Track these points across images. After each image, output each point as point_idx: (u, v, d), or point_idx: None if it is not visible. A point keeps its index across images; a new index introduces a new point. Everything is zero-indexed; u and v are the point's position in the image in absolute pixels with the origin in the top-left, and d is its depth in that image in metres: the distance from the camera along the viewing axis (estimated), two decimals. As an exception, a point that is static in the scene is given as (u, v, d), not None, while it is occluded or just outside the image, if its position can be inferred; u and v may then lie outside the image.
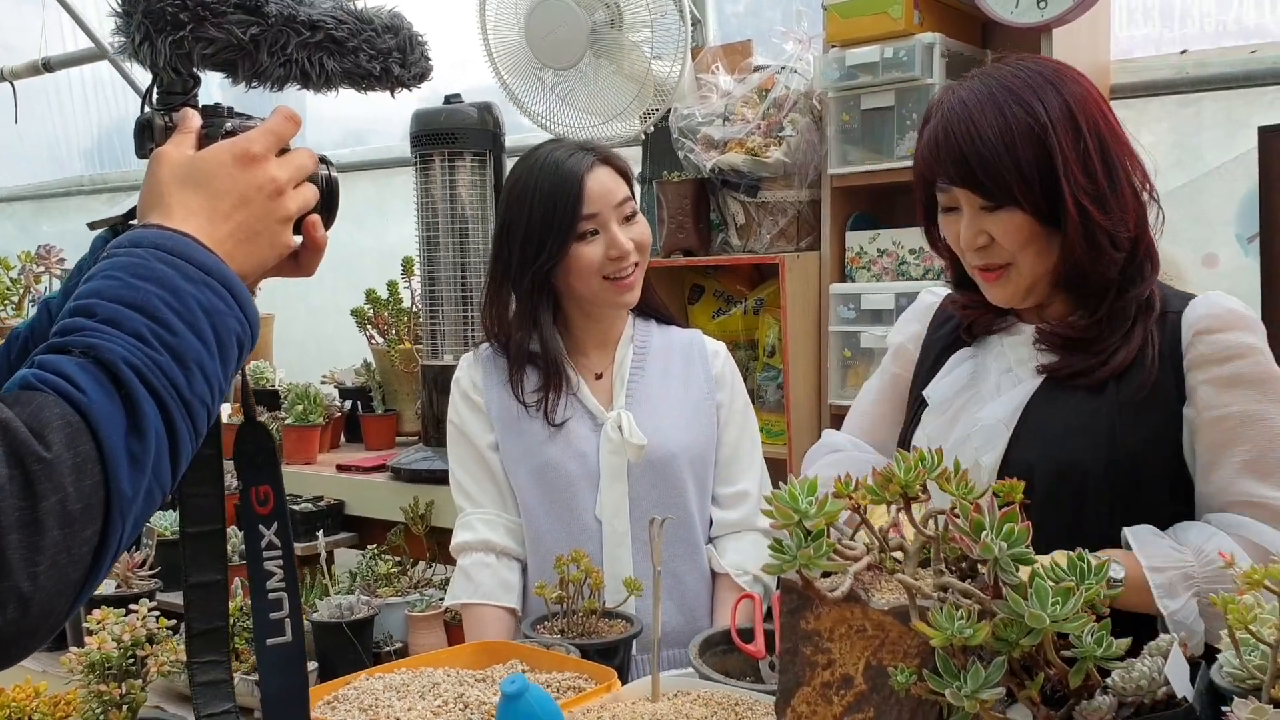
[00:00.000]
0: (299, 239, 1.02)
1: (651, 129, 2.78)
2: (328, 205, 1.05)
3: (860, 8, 2.41)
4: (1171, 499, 1.43)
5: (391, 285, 3.41)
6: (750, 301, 2.82)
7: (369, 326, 3.42)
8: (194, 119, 0.99)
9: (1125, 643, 0.87)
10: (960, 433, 1.51)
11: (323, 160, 1.05)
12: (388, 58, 1.07)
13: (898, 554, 1.00)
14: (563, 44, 2.70)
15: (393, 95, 1.09)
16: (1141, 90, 2.47)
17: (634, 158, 2.80)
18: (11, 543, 0.72)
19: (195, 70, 1.00)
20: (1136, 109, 2.47)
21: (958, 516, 0.93)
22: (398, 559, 2.77)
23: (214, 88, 1.12)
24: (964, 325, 1.60)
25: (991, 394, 1.52)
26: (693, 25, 2.87)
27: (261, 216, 0.96)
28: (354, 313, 3.43)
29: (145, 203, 0.94)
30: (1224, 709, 0.85)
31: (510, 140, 2.86)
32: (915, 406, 1.64)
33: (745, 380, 2.54)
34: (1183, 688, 0.88)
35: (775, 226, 2.58)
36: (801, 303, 2.55)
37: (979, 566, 0.95)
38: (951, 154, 1.42)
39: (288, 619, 1.08)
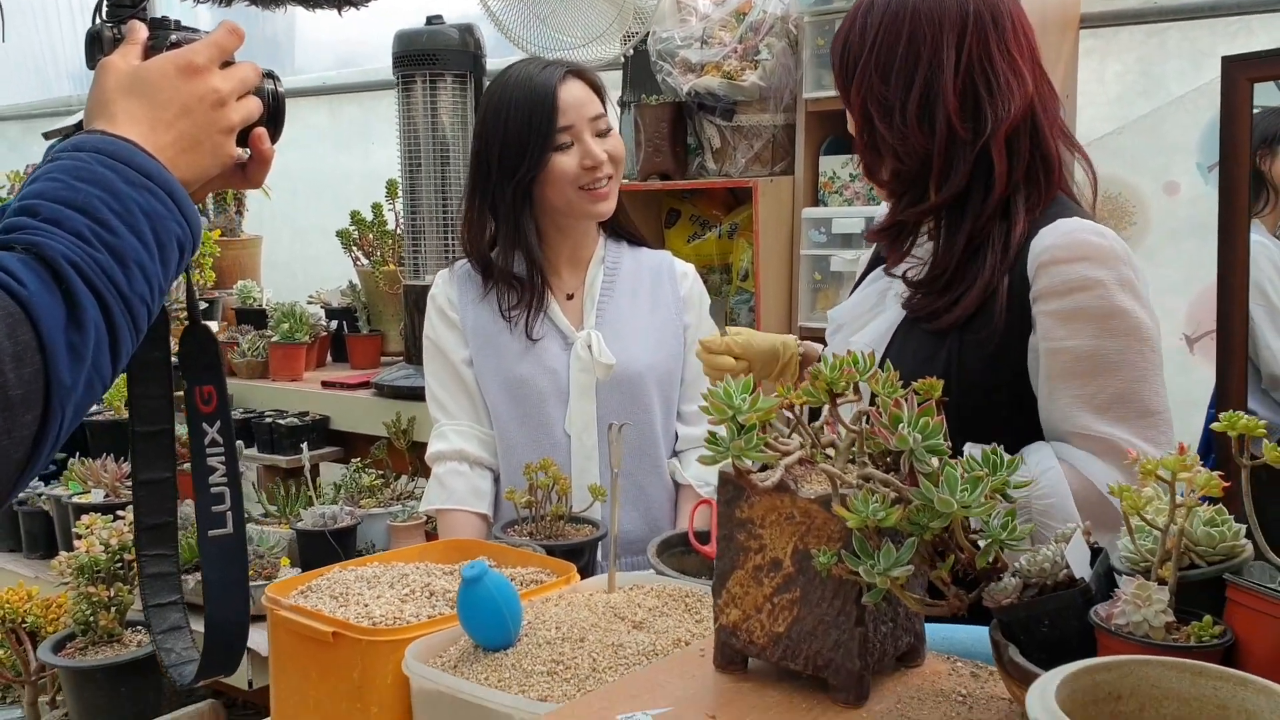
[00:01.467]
0: (245, 151, 1.07)
1: (631, 52, 2.81)
2: (274, 119, 1.09)
3: (837, -68, 2.43)
4: (1016, 415, 1.45)
5: (376, 208, 3.45)
6: (725, 226, 2.87)
7: (354, 248, 3.47)
8: (140, 31, 1.03)
9: (1029, 527, 0.95)
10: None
11: (268, 75, 1.09)
12: None
13: (829, 450, 1.07)
14: (544, -35, 2.72)
15: (340, 13, 1.13)
16: (1110, 19, 2.50)
17: (614, 81, 2.83)
18: None
19: None
20: (1105, 38, 2.51)
21: (881, 413, 1.00)
22: (381, 472, 2.85)
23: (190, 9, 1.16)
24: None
25: (869, 320, 1.58)
26: (674, -52, 2.88)
27: (203, 126, 1.00)
28: (339, 234, 3.48)
29: (91, 111, 0.98)
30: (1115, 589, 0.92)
31: (491, 63, 2.87)
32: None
33: (719, 303, 2.60)
34: (1082, 570, 0.95)
35: (750, 151, 2.62)
36: (774, 227, 2.60)
37: (900, 460, 1.02)
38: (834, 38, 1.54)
39: (229, 512, 1.15)
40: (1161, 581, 0.90)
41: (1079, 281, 1.37)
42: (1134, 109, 2.45)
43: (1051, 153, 1.46)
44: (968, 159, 1.43)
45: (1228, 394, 1.59)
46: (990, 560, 0.95)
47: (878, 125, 1.46)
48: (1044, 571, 0.97)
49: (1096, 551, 0.99)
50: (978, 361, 1.43)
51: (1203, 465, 0.89)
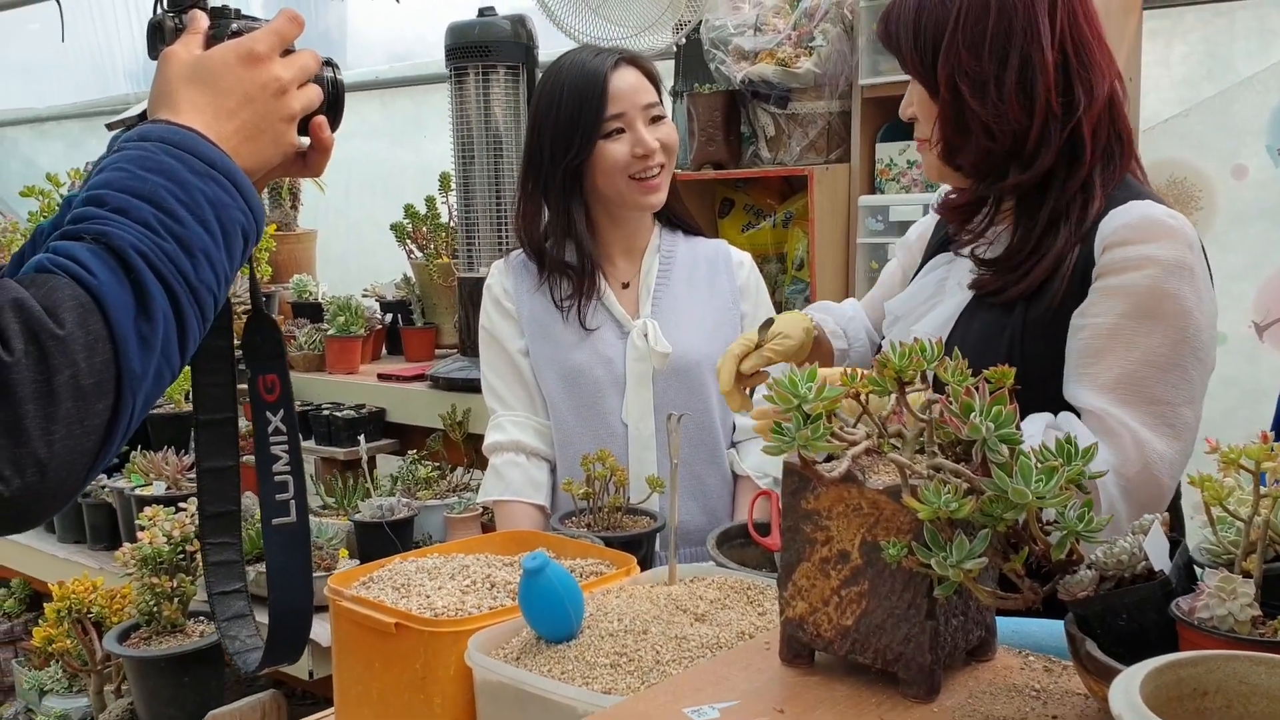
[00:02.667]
0: (305, 139, 1.07)
1: (684, 40, 2.79)
2: (333, 106, 1.09)
3: (893, -84, 2.39)
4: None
5: (430, 201, 3.47)
6: (779, 215, 2.84)
7: (408, 241, 3.49)
8: (201, 20, 1.03)
9: (1105, 520, 0.92)
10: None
11: (327, 63, 1.09)
12: None
13: (896, 440, 1.05)
14: (595, -45, 2.71)
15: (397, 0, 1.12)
16: (1176, 0, 2.44)
17: (667, 71, 2.81)
18: (28, 412, 0.77)
19: None
20: (1171, 19, 2.45)
21: (951, 402, 0.98)
22: (437, 464, 2.87)
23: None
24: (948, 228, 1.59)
25: (929, 310, 1.54)
26: (726, -65, 2.85)
27: (265, 114, 1.00)
28: (393, 228, 3.50)
29: (154, 101, 0.98)
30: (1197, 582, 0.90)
31: (544, 54, 2.87)
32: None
33: (774, 293, 2.58)
34: (1161, 562, 0.93)
35: (805, 138, 2.59)
36: (830, 215, 2.57)
37: (972, 450, 1.00)
38: (885, 14, 1.47)
39: (293, 500, 1.15)
40: (1246, 574, 0.87)
41: (1136, 261, 1.34)
42: (1200, 91, 2.39)
43: (1126, 131, 1.43)
44: (1059, 136, 1.39)
45: (1306, 380, 1.54)
46: (1065, 552, 0.93)
47: (969, 101, 1.39)
48: (1121, 564, 0.94)
49: (1175, 543, 0.97)
50: (1037, 336, 1.40)
51: (1285, 454, 0.87)
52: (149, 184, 0.88)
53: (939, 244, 1.64)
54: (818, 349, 1.68)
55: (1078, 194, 1.40)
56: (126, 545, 2.30)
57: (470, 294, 2.93)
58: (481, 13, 2.82)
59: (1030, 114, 1.38)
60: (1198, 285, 1.35)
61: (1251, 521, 0.88)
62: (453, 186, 3.12)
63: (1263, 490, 0.87)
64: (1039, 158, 1.40)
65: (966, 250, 1.50)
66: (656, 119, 1.92)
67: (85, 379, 0.80)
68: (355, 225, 4.56)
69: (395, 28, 4.56)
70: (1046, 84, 1.37)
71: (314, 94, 1.06)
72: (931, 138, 1.47)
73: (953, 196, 1.52)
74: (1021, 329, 1.41)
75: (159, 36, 1.05)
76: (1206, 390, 1.40)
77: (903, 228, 2.45)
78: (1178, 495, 1.48)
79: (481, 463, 2.07)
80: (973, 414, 0.93)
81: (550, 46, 2.93)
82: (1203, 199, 2.32)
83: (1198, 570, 0.93)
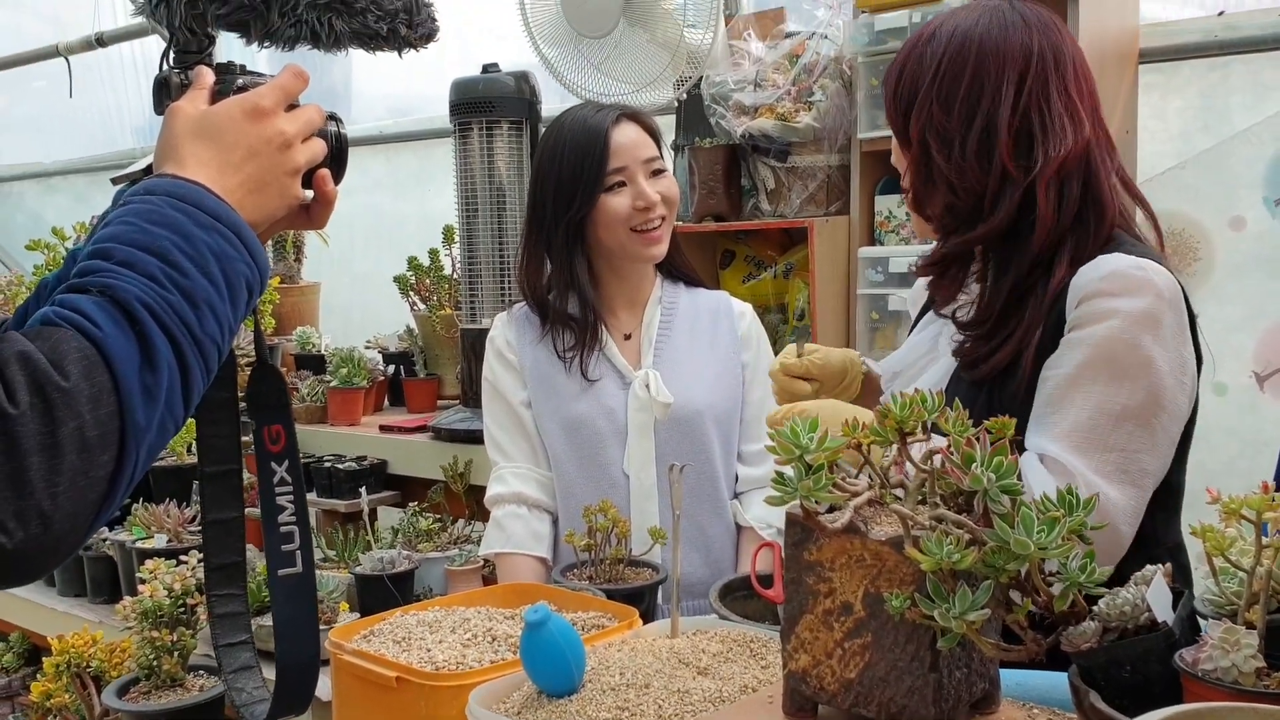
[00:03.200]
0: (309, 192, 1.08)
1: (685, 96, 2.82)
2: (337, 160, 1.10)
3: (890, -27, 2.43)
4: None
5: (433, 253, 3.49)
6: (780, 266, 2.86)
7: (411, 293, 3.50)
8: (207, 76, 1.05)
9: (1108, 570, 0.92)
10: None
11: (331, 117, 1.10)
12: (394, 19, 1.12)
13: (899, 490, 1.05)
14: (597, 12, 2.75)
15: (400, 55, 1.14)
16: (1171, 54, 2.47)
17: (668, 125, 2.84)
18: (33, 464, 0.78)
19: (210, 30, 1.06)
20: (1166, 73, 2.48)
21: (952, 453, 0.98)
22: (438, 516, 2.86)
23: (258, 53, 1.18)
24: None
25: (926, 367, 1.55)
26: (726, -7, 2.90)
27: (270, 168, 1.01)
28: (397, 279, 3.52)
29: (160, 155, 1.00)
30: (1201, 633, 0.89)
31: (546, 109, 2.91)
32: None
33: (775, 343, 2.59)
34: (1164, 613, 0.92)
35: (805, 191, 2.61)
36: (830, 266, 2.58)
37: (974, 501, 1.00)
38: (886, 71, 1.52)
39: (298, 551, 1.15)
40: (1250, 625, 0.87)
41: (1101, 313, 1.35)
42: (1197, 144, 2.41)
43: (1104, 198, 1.43)
44: (1014, 197, 1.41)
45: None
46: (1068, 604, 0.93)
47: (935, 156, 1.44)
48: (1124, 615, 0.94)
49: (1178, 594, 0.96)
50: (1010, 414, 1.40)
51: (1287, 504, 0.87)
52: (154, 237, 0.89)
53: (931, 301, 1.65)
54: (870, 388, 1.70)
55: (1040, 261, 1.41)
56: (127, 599, 2.29)
57: (473, 345, 2.94)
58: (485, 69, 2.86)
59: (988, 173, 1.41)
60: (1163, 334, 1.35)
61: (1254, 572, 0.88)
62: (456, 239, 3.14)
63: (1265, 540, 0.87)
64: (994, 216, 1.42)
65: (947, 311, 1.51)
66: (657, 172, 1.94)
67: (90, 431, 0.81)
68: (360, 277, 4.59)
69: (399, 82, 4.62)
70: (1002, 146, 1.40)
71: (318, 148, 1.07)
72: (905, 183, 1.51)
73: (926, 255, 1.55)
74: (998, 409, 1.41)
75: (165, 92, 1.07)
76: (1180, 440, 1.40)
77: (903, 279, 2.47)
78: (1182, 545, 1.48)
79: (483, 514, 2.07)
80: (974, 464, 0.93)
81: (553, 102, 2.97)
82: (1201, 250, 2.33)
83: (1201, 621, 0.93)
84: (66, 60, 5.24)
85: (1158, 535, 1.44)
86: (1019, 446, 0.97)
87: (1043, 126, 1.41)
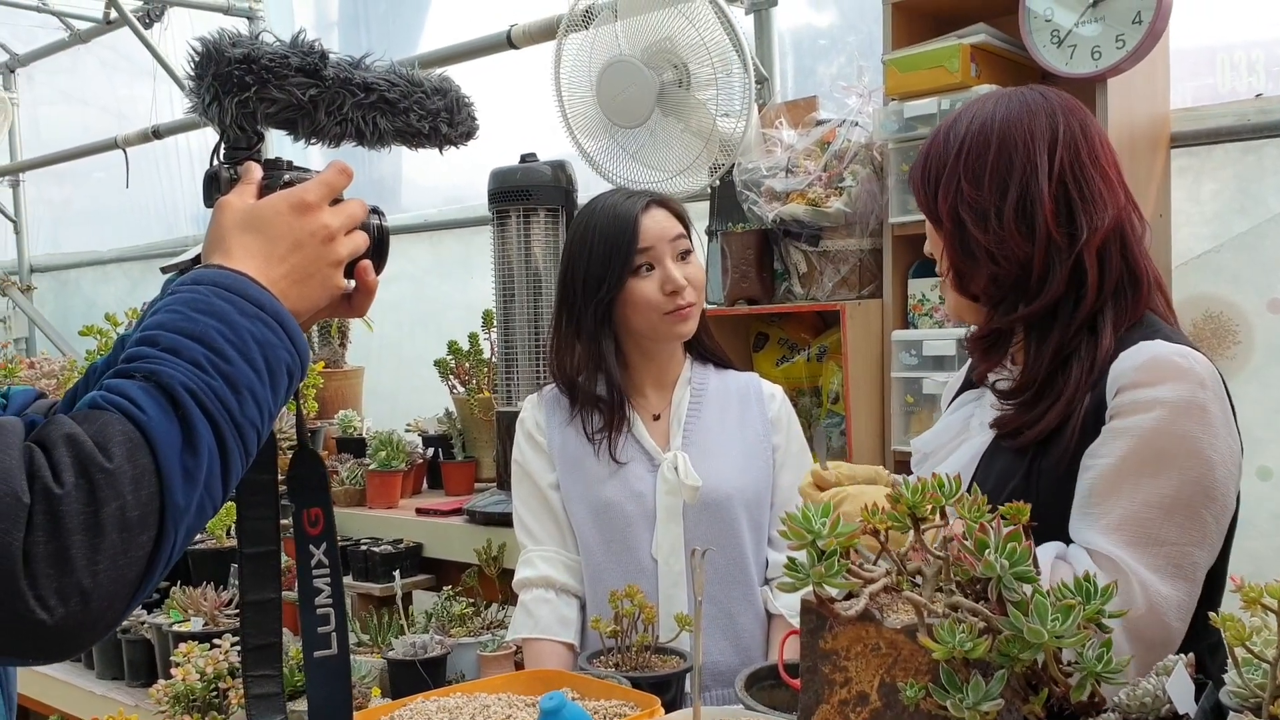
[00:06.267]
0: (351, 282, 1.11)
1: (718, 183, 2.86)
2: (378, 251, 1.13)
3: (919, 62, 2.47)
4: None
5: (473, 337, 3.53)
6: (813, 349, 2.86)
7: (450, 376, 3.54)
8: (256, 171, 1.09)
9: (1126, 659, 0.90)
10: None
11: (374, 211, 1.14)
12: (436, 117, 1.16)
13: (916, 577, 1.04)
14: (632, 103, 2.81)
15: (440, 152, 1.18)
16: (1204, 138, 2.47)
17: (701, 211, 2.88)
18: (75, 543, 0.80)
19: (259, 128, 1.10)
20: (1200, 156, 2.48)
21: (967, 538, 0.97)
22: (472, 600, 2.85)
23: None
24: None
25: (956, 448, 1.54)
26: (759, 83, 2.95)
27: (314, 260, 1.05)
28: (437, 363, 3.55)
29: (209, 246, 1.04)
30: (1225, 726, 0.87)
31: (582, 196, 2.95)
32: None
33: (809, 427, 2.58)
34: (1186, 705, 0.90)
35: (837, 275, 2.62)
36: (864, 350, 2.58)
37: (989, 588, 0.98)
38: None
39: (334, 633, 1.15)
40: (1274, 718, 0.84)
41: (1145, 403, 1.33)
42: (1232, 227, 2.40)
43: (1140, 270, 1.43)
44: (1065, 265, 1.41)
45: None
46: (1086, 694, 0.91)
47: (971, 230, 1.43)
48: (1145, 706, 0.92)
49: (1202, 685, 0.94)
50: (1052, 484, 1.38)
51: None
52: (200, 325, 0.93)
53: (968, 381, 1.65)
54: None
55: (1084, 327, 1.41)
56: (160, 682, 2.30)
57: (508, 428, 2.95)
58: (524, 159, 2.92)
59: (1031, 242, 1.41)
60: (1210, 424, 1.33)
61: (1277, 663, 0.86)
62: (494, 323, 3.18)
63: (1287, 631, 0.85)
64: (1046, 286, 1.41)
65: (989, 380, 1.50)
66: (684, 254, 1.96)
67: (131, 511, 0.83)
68: (406, 362, 4.64)
69: (446, 174, 4.73)
70: (1045, 214, 1.40)
71: (360, 240, 1.11)
72: (942, 267, 1.50)
73: (974, 330, 1.54)
74: (1037, 477, 1.40)
75: (215, 186, 1.11)
76: (1227, 530, 1.37)
77: (937, 361, 2.46)
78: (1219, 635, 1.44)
79: (515, 599, 2.06)
80: (987, 550, 0.92)
81: (589, 189, 3.01)
82: (1240, 333, 2.31)
83: (1230, 714, 0.91)
84: (124, 152, 5.41)
85: (1199, 627, 1.41)
86: (1033, 533, 0.95)
87: (1081, 195, 1.42)
